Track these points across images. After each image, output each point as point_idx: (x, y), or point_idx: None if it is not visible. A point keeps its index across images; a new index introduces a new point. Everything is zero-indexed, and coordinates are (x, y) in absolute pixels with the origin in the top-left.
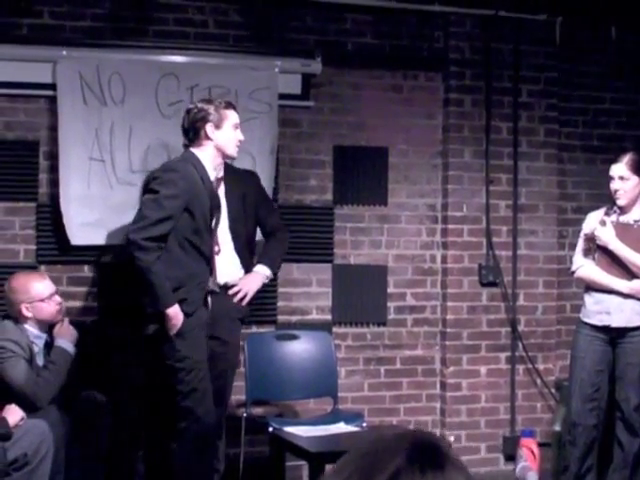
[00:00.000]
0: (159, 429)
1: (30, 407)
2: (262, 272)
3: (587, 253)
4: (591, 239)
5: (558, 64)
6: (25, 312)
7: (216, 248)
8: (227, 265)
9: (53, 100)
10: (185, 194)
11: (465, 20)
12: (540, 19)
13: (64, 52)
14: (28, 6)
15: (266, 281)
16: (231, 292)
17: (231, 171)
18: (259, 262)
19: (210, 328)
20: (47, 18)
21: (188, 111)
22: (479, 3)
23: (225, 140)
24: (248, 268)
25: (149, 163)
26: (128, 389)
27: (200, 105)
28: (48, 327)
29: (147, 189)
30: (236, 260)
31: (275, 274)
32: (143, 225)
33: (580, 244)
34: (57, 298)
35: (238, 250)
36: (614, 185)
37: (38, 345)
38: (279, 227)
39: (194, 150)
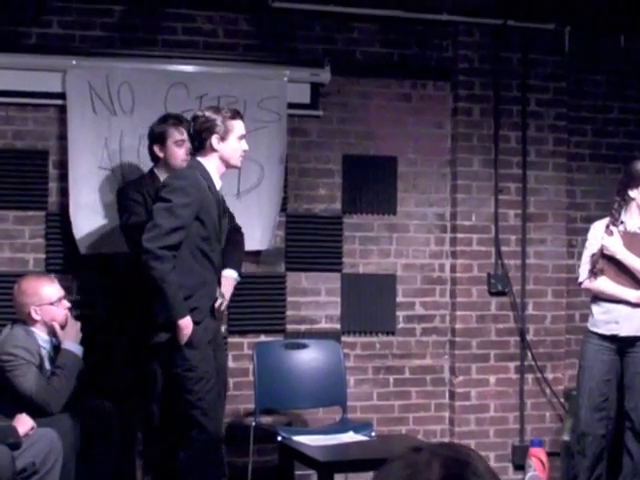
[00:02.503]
0: (166, 438)
1: (42, 413)
2: (232, 276)
3: (592, 273)
4: (596, 260)
5: (567, 73)
6: (34, 315)
7: None
8: None
9: (62, 109)
10: (196, 202)
11: (474, 29)
12: (549, 28)
13: (73, 61)
14: (37, 15)
15: (235, 284)
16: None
17: None
18: (226, 266)
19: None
20: (57, 28)
21: (195, 118)
22: (488, 12)
23: (230, 152)
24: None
25: (129, 174)
26: (136, 398)
27: (208, 114)
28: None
29: (157, 197)
30: None
31: (241, 277)
32: (157, 234)
33: (586, 254)
34: (65, 302)
35: None
36: None
37: (46, 348)
38: (236, 230)
39: (200, 159)
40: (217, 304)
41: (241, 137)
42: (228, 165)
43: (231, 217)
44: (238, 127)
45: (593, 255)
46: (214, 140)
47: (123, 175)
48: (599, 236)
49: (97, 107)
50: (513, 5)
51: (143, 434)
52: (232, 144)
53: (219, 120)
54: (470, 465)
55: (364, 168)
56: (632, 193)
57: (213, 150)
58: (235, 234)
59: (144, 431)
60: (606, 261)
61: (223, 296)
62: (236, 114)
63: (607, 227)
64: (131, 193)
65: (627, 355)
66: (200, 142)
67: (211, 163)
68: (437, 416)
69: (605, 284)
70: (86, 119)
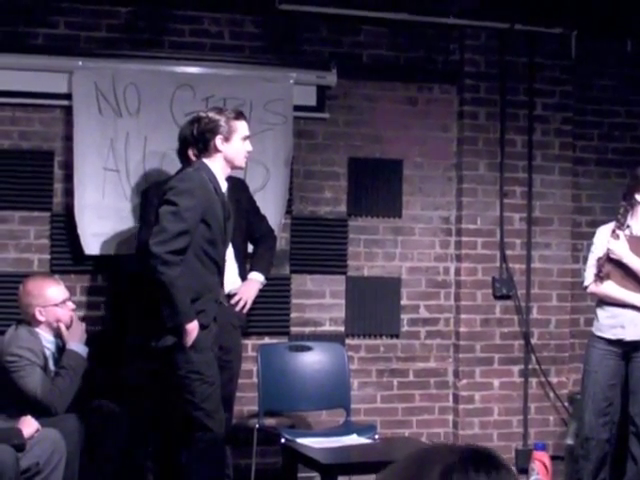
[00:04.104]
0: (170, 439)
1: (46, 414)
2: (257, 279)
3: (598, 277)
4: (603, 264)
5: (573, 77)
6: (39, 316)
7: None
8: (230, 274)
9: (68, 110)
10: (202, 205)
11: (480, 33)
12: (555, 32)
13: (80, 62)
14: (44, 16)
15: (260, 287)
16: (233, 301)
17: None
18: (253, 269)
19: (217, 338)
20: (63, 28)
21: (198, 120)
22: (494, 16)
23: (234, 152)
24: (243, 275)
25: (164, 174)
26: (140, 398)
27: (211, 115)
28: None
29: (163, 200)
30: (235, 268)
31: (267, 280)
32: (165, 238)
33: (591, 258)
34: (70, 304)
35: (237, 258)
36: None
37: (50, 349)
38: (268, 233)
39: (205, 160)
40: (238, 307)
41: (245, 138)
42: (233, 166)
43: (263, 218)
44: (242, 128)
45: (599, 259)
46: (218, 141)
47: (128, 176)
48: (605, 240)
49: (103, 108)
50: (520, 9)
51: (149, 436)
52: (236, 145)
53: (222, 121)
54: (496, 455)
55: (370, 171)
56: (639, 197)
57: (217, 151)
58: (268, 238)
59: (150, 432)
60: (612, 265)
61: (225, 298)
62: (239, 115)
63: (613, 231)
64: (155, 199)
65: (632, 360)
66: (204, 143)
67: (216, 164)
68: (441, 419)
69: (611, 288)
70: (92, 120)
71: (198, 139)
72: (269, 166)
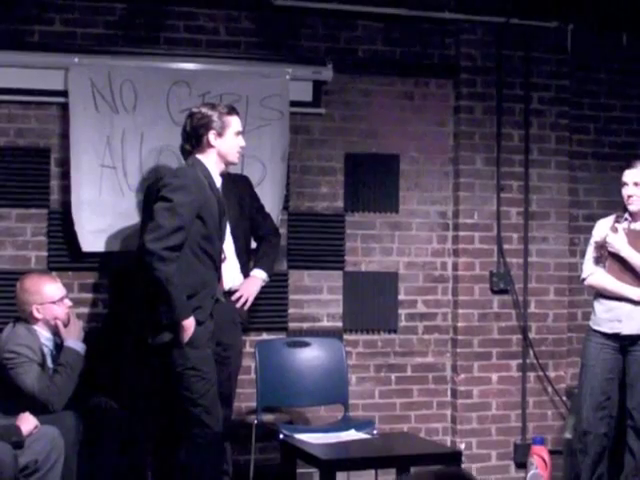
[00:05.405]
0: (168, 436)
1: (44, 411)
2: (260, 276)
3: (598, 261)
4: (602, 246)
5: (569, 71)
6: (36, 313)
7: (222, 255)
8: (230, 270)
9: (65, 107)
10: (197, 200)
11: (476, 27)
12: (551, 26)
13: (76, 59)
14: (40, 13)
15: (263, 284)
16: (234, 298)
17: (226, 176)
18: (256, 266)
19: (214, 334)
20: (59, 25)
21: (191, 115)
22: (490, 10)
23: (227, 148)
24: (246, 272)
25: (161, 170)
26: (138, 396)
27: (204, 111)
28: (56, 328)
29: (158, 196)
30: (237, 265)
31: (270, 277)
32: (160, 235)
33: (590, 251)
34: (67, 301)
35: (238, 254)
36: (628, 191)
37: (48, 347)
38: (272, 231)
39: (199, 156)
40: (239, 304)
41: (238, 133)
42: (226, 162)
43: (267, 216)
44: (235, 123)
45: (597, 242)
46: (211, 136)
47: (125, 173)
48: (604, 231)
49: (99, 105)
50: (516, 3)
51: (147, 433)
52: (229, 140)
53: (215, 116)
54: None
55: (366, 166)
56: None
57: (210, 146)
58: (274, 235)
59: (148, 430)
60: (610, 258)
61: (223, 295)
62: (232, 110)
63: (612, 225)
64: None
65: (629, 353)
66: (197, 139)
67: (210, 160)
68: (439, 414)
69: (607, 280)
70: (88, 117)
71: (191, 135)
72: (266, 162)
